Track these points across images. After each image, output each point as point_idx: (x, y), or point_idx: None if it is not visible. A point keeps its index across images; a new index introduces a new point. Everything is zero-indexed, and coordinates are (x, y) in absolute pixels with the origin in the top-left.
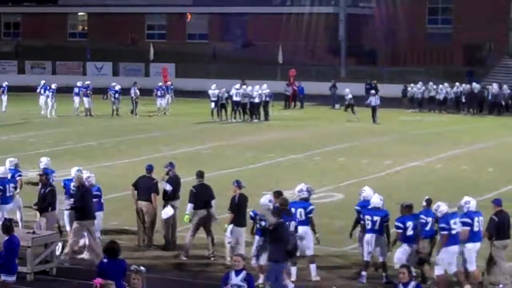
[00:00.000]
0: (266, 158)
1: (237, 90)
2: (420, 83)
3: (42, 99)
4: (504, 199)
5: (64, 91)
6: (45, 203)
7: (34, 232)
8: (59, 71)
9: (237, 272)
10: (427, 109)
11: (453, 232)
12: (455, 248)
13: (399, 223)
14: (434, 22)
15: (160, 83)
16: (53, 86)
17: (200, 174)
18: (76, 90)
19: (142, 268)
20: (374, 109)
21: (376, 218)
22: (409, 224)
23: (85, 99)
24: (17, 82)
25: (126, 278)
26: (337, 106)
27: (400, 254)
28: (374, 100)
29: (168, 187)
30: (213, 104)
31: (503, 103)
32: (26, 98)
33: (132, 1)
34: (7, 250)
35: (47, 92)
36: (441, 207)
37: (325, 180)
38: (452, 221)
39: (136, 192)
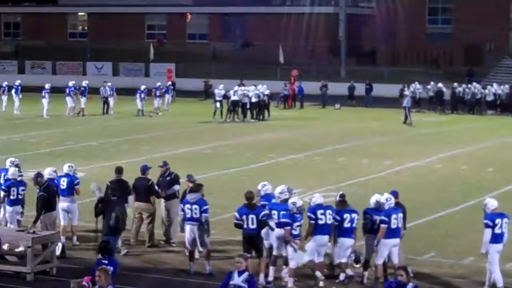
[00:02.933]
0: (266, 158)
1: (235, 90)
2: (416, 82)
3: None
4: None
5: (64, 91)
6: (38, 205)
7: (34, 232)
8: (59, 71)
9: (240, 273)
10: (426, 109)
11: (320, 222)
12: (323, 238)
13: (337, 216)
14: (434, 22)
15: (159, 83)
16: (47, 86)
17: (118, 170)
18: (71, 90)
19: (109, 267)
20: (408, 110)
21: (376, 217)
22: (346, 217)
23: (69, 98)
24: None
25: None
26: (337, 106)
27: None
28: (406, 101)
29: (177, 187)
30: (218, 104)
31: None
32: (26, 98)
33: (132, 1)
34: None
35: (13, 91)
36: (313, 198)
37: (325, 180)
38: (319, 212)
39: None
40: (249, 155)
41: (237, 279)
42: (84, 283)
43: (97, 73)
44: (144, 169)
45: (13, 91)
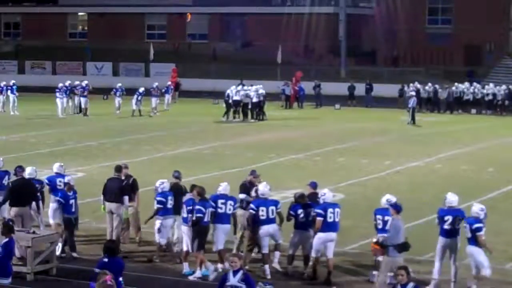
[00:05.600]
0: (266, 158)
1: (237, 90)
2: (416, 82)
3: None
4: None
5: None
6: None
7: (34, 232)
8: (59, 71)
9: (235, 273)
10: (426, 109)
11: (220, 211)
12: (225, 227)
13: (292, 211)
14: (434, 22)
15: (156, 83)
16: (60, 85)
17: (117, 169)
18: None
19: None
20: (413, 110)
21: (387, 218)
22: (300, 211)
23: (65, 99)
24: (17, 82)
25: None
26: (337, 106)
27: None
28: (412, 102)
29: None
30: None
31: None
32: (26, 98)
33: (132, 1)
34: (5, 252)
35: (9, 92)
36: (220, 187)
37: (325, 180)
38: (220, 201)
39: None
40: (250, 155)
41: (232, 280)
42: (108, 282)
43: (97, 73)
44: (119, 169)
45: (9, 91)
